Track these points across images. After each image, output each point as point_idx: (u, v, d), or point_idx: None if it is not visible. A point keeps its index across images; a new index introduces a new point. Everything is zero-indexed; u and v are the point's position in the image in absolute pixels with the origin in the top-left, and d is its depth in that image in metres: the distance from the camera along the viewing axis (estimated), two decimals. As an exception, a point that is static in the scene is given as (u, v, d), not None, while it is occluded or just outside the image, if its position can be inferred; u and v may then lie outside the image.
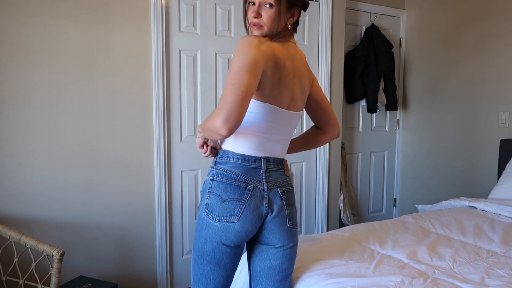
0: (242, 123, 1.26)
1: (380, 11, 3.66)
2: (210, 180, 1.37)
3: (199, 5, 2.64)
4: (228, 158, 1.36)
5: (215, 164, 1.39)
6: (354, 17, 3.52)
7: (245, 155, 1.35)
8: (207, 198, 1.35)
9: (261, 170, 1.37)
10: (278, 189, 1.41)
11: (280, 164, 1.44)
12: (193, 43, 2.65)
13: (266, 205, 1.37)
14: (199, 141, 1.42)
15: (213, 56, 2.72)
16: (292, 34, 1.43)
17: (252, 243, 1.46)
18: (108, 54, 2.39)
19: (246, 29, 1.40)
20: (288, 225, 1.42)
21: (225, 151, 1.38)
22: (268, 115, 1.34)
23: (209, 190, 1.35)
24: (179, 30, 2.60)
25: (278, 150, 1.43)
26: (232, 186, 1.33)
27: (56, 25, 2.25)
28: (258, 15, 1.32)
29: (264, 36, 1.34)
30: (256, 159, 1.37)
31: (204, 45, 2.69)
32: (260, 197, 1.36)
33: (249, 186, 1.34)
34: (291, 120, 1.43)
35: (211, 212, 1.33)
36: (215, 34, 2.72)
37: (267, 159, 1.39)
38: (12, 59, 2.16)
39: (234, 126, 1.17)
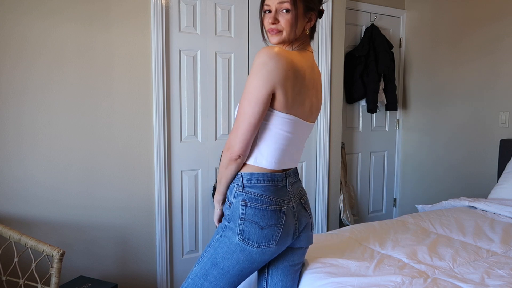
0: (265, 136, 1.32)
1: (380, 11, 3.66)
2: (242, 205, 1.33)
3: (199, 5, 2.64)
4: (259, 181, 1.34)
5: (243, 188, 1.35)
6: (354, 17, 3.52)
7: (273, 174, 1.35)
8: (240, 224, 1.32)
9: (287, 187, 1.39)
10: (301, 200, 1.44)
11: (296, 173, 1.47)
12: (193, 43, 2.65)
13: (296, 221, 1.40)
14: (218, 213, 1.48)
15: (213, 56, 2.72)
16: (309, 41, 1.42)
17: None
18: (107, 53, 2.39)
19: (264, 38, 1.39)
20: (311, 232, 1.52)
21: (252, 173, 1.35)
22: (290, 127, 1.33)
23: (243, 216, 1.32)
24: (179, 30, 2.60)
25: (296, 161, 1.44)
26: (269, 212, 1.33)
27: (54, 26, 2.24)
28: (275, 20, 1.32)
29: (283, 42, 1.34)
30: (282, 177, 1.37)
31: (204, 45, 2.69)
32: (292, 216, 1.39)
33: (283, 208, 1.35)
34: (308, 131, 1.44)
35: (248, 239, 1.32)
36: (215, 34, 2.72)
37: (288, 173, 1.40)
38: (6, 58, 2.15)
39: (245, 151, 1.31)
